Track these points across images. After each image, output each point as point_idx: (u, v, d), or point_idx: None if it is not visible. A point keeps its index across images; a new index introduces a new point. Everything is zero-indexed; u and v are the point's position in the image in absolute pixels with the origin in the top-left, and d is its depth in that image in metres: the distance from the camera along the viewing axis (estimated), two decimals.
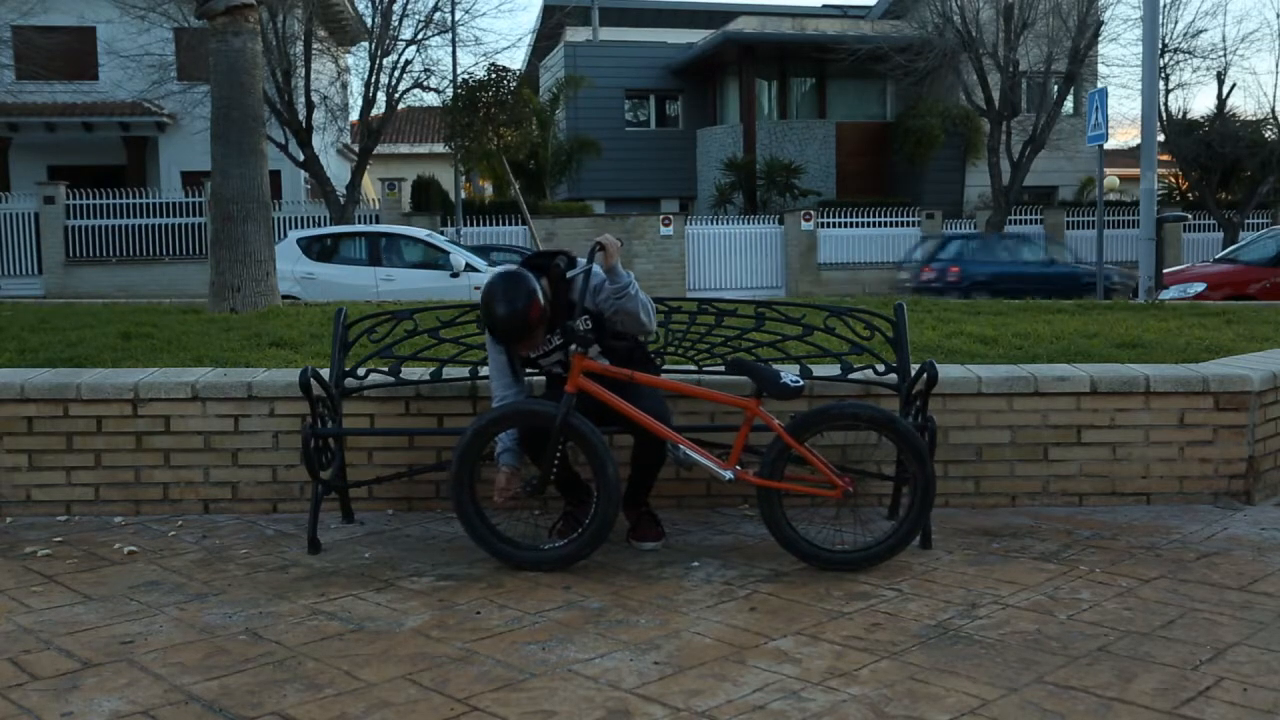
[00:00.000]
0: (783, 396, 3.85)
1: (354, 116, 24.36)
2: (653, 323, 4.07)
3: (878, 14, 30.28)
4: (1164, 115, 22.35)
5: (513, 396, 4.09)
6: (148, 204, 21.53)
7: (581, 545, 3.87)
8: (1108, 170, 20.71)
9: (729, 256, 23.07)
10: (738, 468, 3.92)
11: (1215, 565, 3.91)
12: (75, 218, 21.23)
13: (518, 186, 21.71)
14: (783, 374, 3.88)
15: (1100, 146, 14.89)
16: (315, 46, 20.92)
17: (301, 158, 20.25)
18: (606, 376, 3.96)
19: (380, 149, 25.32)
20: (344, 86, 24.57)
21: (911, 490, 3.92)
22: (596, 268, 3.95)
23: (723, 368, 4.63)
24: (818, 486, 3.94)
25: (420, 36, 21.38)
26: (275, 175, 21.32)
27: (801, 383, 3.88)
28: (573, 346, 3.90)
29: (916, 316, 7.01)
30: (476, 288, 12.85)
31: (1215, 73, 24.86)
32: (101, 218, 21.29)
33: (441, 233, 18.52)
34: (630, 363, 4.10)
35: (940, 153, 26.70)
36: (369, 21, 21.80)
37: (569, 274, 3.97)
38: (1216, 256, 16.57)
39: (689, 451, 3.87)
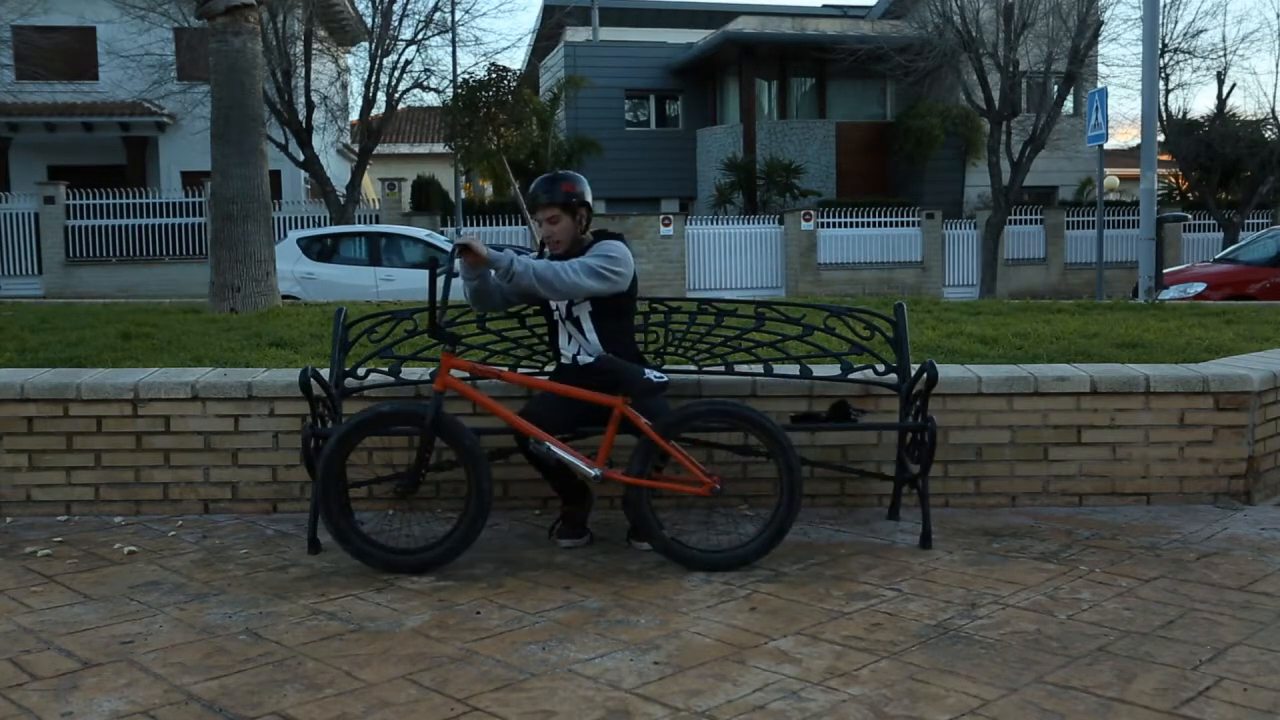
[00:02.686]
0: (644, 393, 3.87)
1: (354, 116, 24.36)
2: (565, 285, 3.97)
3: (878, 14, 30.26)
4: (1164, 115, 22.34)
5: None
6: (148, 204, 21.51)
7: (448, 549, 3.85)
8: (1108, 170, 20.74)
9: (729, 256, 23.05)
10: (606, 467, 3.91)
11: (1215, 565, 3.91)
12: (75, 218, 21.21)
13: (517, 186, 21.70)
14: (646, 370, 3.89)
15: (1100, 146, 14.90)
16: (315, 46, 20.92)
17: (301, 158, 20.25)
18: (483, 376, 4.06)
19: (380, 149, 25.34)
20: (344, 86, 24.56)
21: (777, 489, 3.92)
22: (458, 264, 4.01)
23: (722, 368, 4.64)
24: (685, 484, 3.96)
25: (420, 36, 21.39)
26: (275, 175, 21.31)
27: (665, 379, 3.89)
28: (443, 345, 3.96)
29: (916, 316, 7.02)
30: None
31: (1215, 73, 24.84)
32: (101, 218, 21.27)
33: (441, 233, 18.51)
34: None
35: (940, 153, 26.68)
36: (369, 21, 21.80)
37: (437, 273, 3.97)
38: (1216, 256, 16.57)
39: (551, 446, 3.86)
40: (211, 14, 8.35)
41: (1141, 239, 12.69)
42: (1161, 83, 21.67)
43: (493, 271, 4.03)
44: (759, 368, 4.65)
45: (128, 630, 3.32)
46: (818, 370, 4.62)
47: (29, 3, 20.69)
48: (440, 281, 3.91)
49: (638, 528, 4.18)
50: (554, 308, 4.21)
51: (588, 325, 4.16)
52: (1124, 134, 37.85)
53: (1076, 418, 4.70)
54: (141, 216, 21.41)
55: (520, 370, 4.62)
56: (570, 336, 4.20)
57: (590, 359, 4.15)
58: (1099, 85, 20.65)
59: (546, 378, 4.28)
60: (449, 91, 21.80)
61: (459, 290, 4.10)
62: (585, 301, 4.12)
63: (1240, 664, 3.01)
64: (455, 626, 3.33)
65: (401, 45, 21.06)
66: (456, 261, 3.99)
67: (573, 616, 3.42)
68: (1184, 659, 3.05)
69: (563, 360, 4.22)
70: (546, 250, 4.09)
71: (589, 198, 4.23)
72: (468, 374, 4.12)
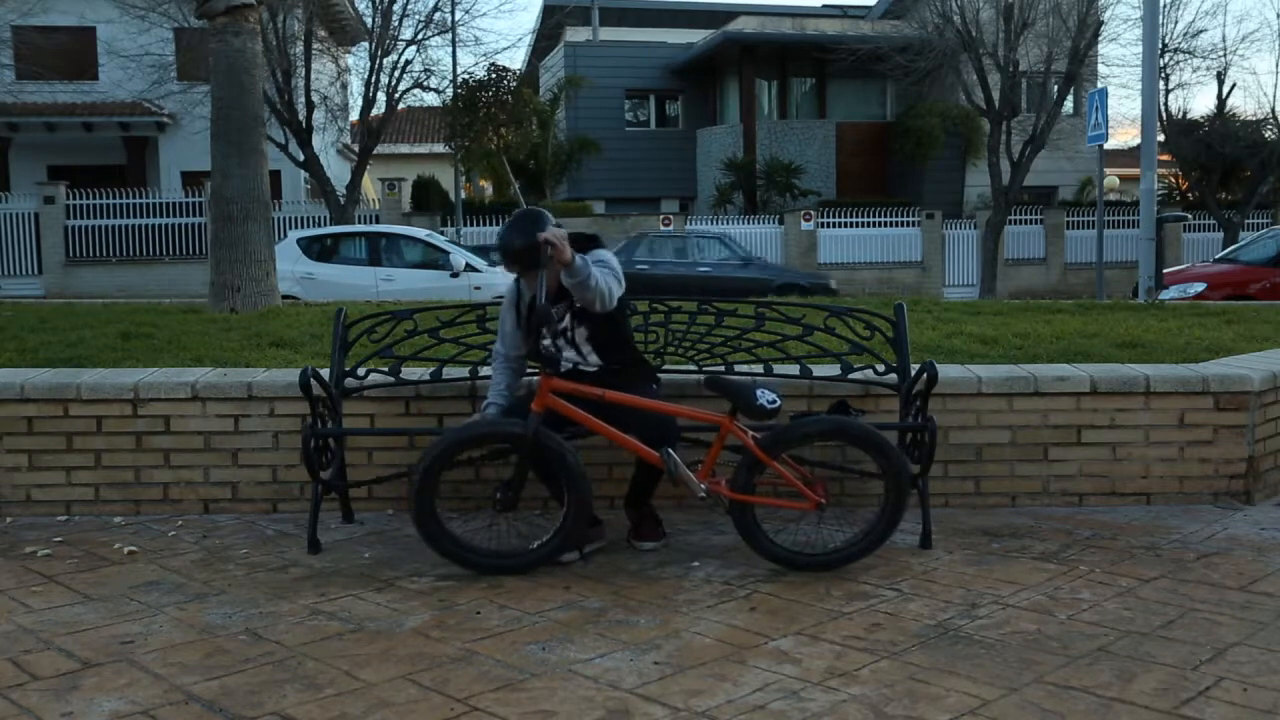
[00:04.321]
0: (758, 417, 3.82)
1: (354, 116, 24.36)
2: (613, 298, 3.96)
3: (878, 14, 30.27)
4: (1164, 115, 22.34)
5: (504, 383, 4.15)
6: (148, 204, 21.52)
7: (543, 554, 3.85)
8: (1108, 170, 20.73)
9: None
10: (710, 481, 3.89)
11: (1215, 565, 3.91)
12: (75, 218, 21.22)
13: (518, 186, 21.73)
14: (759, 393, 3.80)
15: (1100, 146, 14.89)
16: (315, 46, 20.91)
17: (301, 158, 20.25)
18: (578, 396, 3.93)
19: (380, 149, 25.32)
20: (344, 86, 24.57)
21: (884, 497, 3.91)
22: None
23: (723, 367, 4.64)
24: (790, 500, 3.93)
25: (420, 36, 21.40)
26: (275, 175, 21.27)
27: (778, 403, 3.81)
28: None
29: (917, 316, 7.02)
30: (476, 288, 12.88)
31: (1215, 73, 24.84)
32: (101, 218, 21.28)
33: (441, 233, 18.52)
34: (624, 376, 4.09)
35: (940, 153, 26.68)
36: (369, 21, 21.80)
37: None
38: (1216, 256, 16.56)
39: (677, 460, 3.84)
40: (211, 14, 8.36)
41: (1141, 239, 12.69)
42: (1161, 83, 21.67)
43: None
44: (759, 368, 4.65)
45: (128, 630, 3.32)
46: (818, 370, 4.62)
47: (29, 3, 20.68)
48: (540, 288, 3.84)
49: (637, 528, 4.19)
50: (544, 334, 4.10)
51: (586, 348, 4.12)
52: (1124, 134, 37.80)
53: (1076, 418, 4.69)
54: (141, 216, 21.42)
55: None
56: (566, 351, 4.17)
57: (592, 370, 4.13)
58: (1099, 85, 20.65)
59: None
60: (449, 91, 21.82)
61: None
62: (581, 326, 4.09)
63: (1240, 664, 3.01)
64: (455, 626, 3.34)
65: (401, 45, 21.08)
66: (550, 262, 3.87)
67: (573, 616, 3.42)
68: (1184, 659, 3.05)
69: (562, 369, 4.18)
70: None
71: (554, 222, 4.05)
72: (566, 394, 3.95)
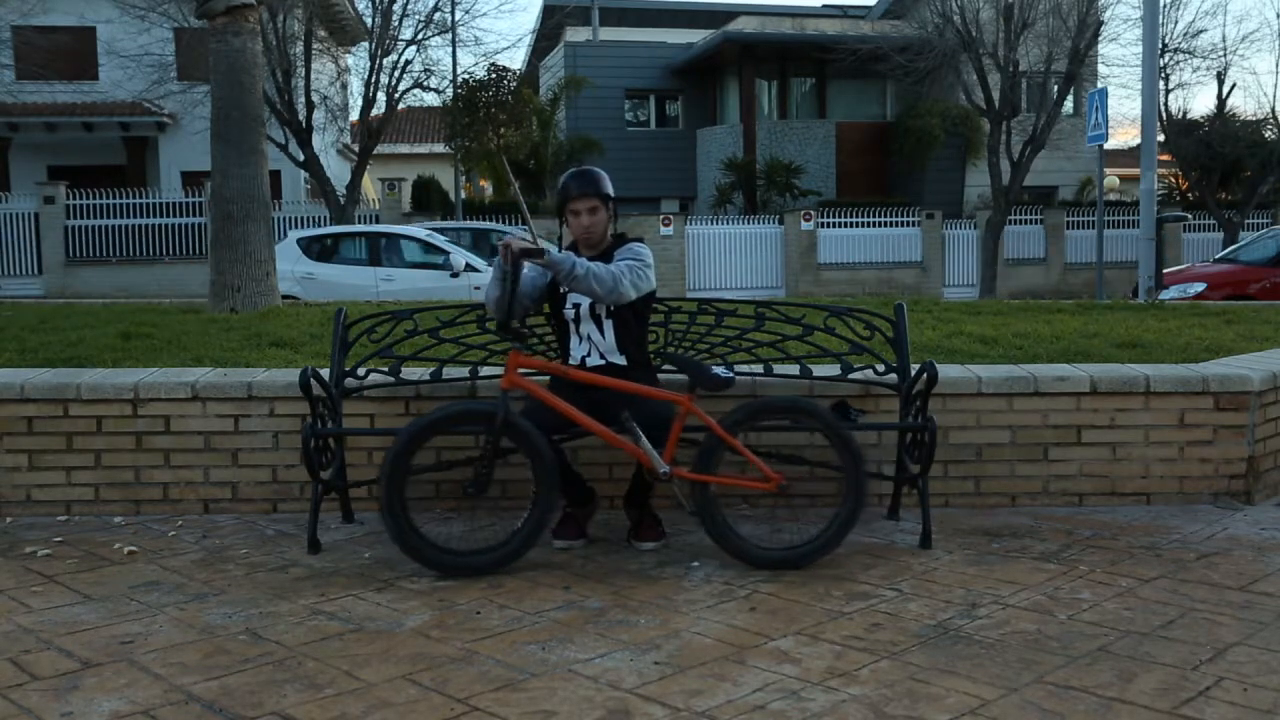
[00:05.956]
0: (713, 388, 3.90)
1: (354, 116, 24.37)
2: (621, 289, 3.97)
3: (878, 14, 30.27)
4: (1164, 115, 22.33)
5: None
6: (148, 204, 21.51)
7: (513, 548, 3.84)
8: (1108, 170, 20.73)
9: (729, 256, 23.05)
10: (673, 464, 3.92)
11: (1215, 565, 3.91)
12: (75, 218, 21.21)
13: (517, 186, 21.68)
14: (714, 366, 3.94)
15: (1100, 146, 14.90)
16: (315, 46, 20.92)
17: (301, 158, 20.25)
18: (547, 372, 4.03)
19: (380, 149, 25.33)
20: (344, 86, 24.58)
21: (844, 487, 3.93)
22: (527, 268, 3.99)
23: (722, 368, 4.64)
24: (751, 481, 3.97)
25: (420, 36, 21.41)
26: (275, 175, 21.30)
27: (731, 375, 3.93)
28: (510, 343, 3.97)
29: (916, 316, 7.02)
30: (476, 288, 12.87)
31: (1215, 73, 24.84)
32: (101, 218, 21.27)
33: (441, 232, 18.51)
34: (628, 374, 4.10)
35: (940, 153, 26.68)
36: (369, 21, 21.80)
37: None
38: (1216, 256, 16.56)
39: (641, 435, 3.87)
40: (211, 14, 8.36)
41: (1141, 239, 12.69)
42: (1161, 83, 21.66)
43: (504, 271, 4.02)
44: (759, 368, 4.65)
45: (128, 630, 3.32)
46: (818, 370, 4.62)
47: (29, 3, 20.69)
48: (509, 281, 3.87)
49: (637, 527, 4.19)
50: (570, 306, 4.18)
51: (607, 324, 4.14)
52: (1124, 134, 37.83)
53: (1076, 418, 4.70)
54: (141, 216, 21.40)
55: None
56: (582, 338, 4.19)
57: (600, 362, 4.14)
58: (1099, 85, 20.66)
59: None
60: (449, 91, 21.81)
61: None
62: (609, 318, 4.12)
63: (1240, 664, 3.01)
64: (455, 626, 3.34)
65: (401, 45, 21.08)
66: (525, 262, 3.92)
67: (573, 616, 3.42)
68: (1184, 659, 3.05)
69: (570, 362, 4.20)
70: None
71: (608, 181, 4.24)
72: (533, 371, 4.03)
